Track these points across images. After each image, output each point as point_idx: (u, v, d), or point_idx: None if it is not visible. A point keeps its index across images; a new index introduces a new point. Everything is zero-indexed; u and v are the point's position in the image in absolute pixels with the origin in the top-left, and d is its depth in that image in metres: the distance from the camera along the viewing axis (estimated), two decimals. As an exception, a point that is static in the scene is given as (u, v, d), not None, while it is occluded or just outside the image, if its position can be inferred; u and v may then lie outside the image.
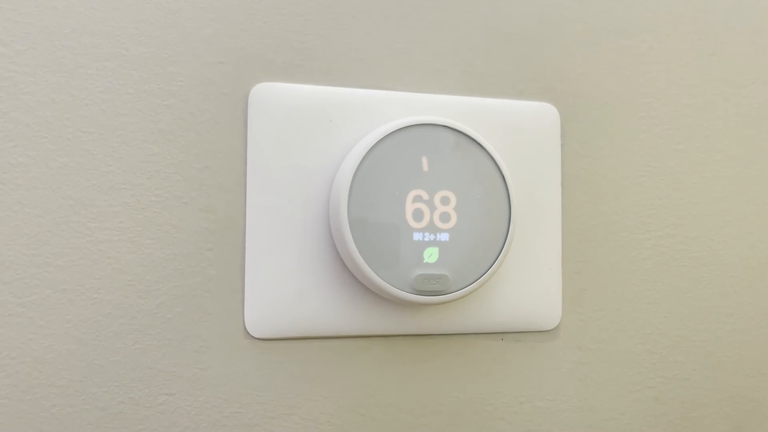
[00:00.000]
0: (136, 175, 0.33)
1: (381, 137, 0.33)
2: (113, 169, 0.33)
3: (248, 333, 0.34)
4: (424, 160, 0.34)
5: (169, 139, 0.34)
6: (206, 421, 0.34)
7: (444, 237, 0.34)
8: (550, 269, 0.38)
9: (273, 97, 0.35)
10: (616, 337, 0.40)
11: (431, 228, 0.33)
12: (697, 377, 0.41)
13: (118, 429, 0.33)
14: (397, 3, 0.37)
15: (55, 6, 0.33)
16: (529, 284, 0.38)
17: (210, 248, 0.34)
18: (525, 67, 0.39)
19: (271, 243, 0.34)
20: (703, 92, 0.41)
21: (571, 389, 0.39)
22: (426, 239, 0.33)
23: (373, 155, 0.33)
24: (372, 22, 0.36)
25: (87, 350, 0.33)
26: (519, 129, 0.38)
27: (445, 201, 0.34)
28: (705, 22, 0.41)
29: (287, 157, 0.34)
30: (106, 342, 0.33)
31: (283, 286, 0.34)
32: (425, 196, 0.34)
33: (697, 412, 0.41)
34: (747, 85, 0.42)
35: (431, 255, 0.33)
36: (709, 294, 0.41)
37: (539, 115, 0.38)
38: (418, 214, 0.33)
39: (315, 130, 0.35)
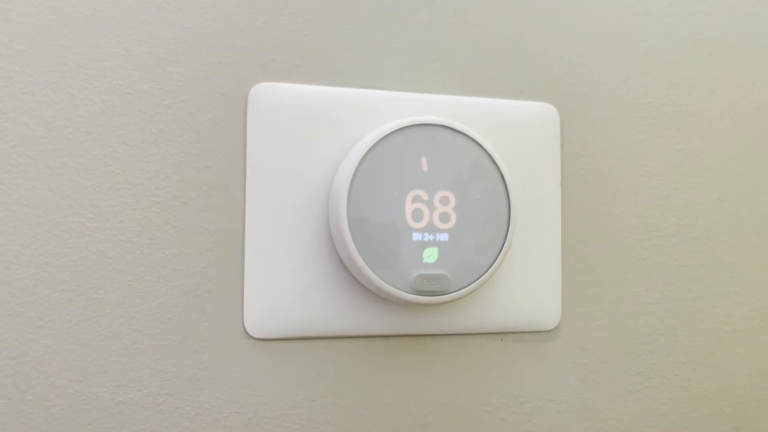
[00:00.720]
0: (136, 175, 0.33)
1: (380, 137, 0.33)
2: (113, 169, 0.33)
3: (248, 333, 0.34)
4: (424, 160, 0.34)
5: (169, 139, 0.34)
6: (206, 421, 0.34)
7: (443, 237, 0.34)
8: (550, 269, 0.38)
9: (272, 97, 0.35)
10: (616, 337, 0.40)
11: (431, 228, 0.33)
12: (697, 377, 0.41)
13: (118, 429, 0.33)
14: (397, 3, 0.37)
15: (55, 6, 0.33)
16: (529, 284, 0.38)
17: (209, 248, 0.34)
18: (525, 67, 0.39)
19: (270, 243, 0.34)
20: (703, 92, 0.41)
21: (571, 389, 0.39)
22: (425, 239, 0.33)
23: (373, 155, 0.33)
24: (372, 22, 0.36)
25: (87, 350, 0.33)
26: (519, 129, 0.38)
27: (444, 201, 0.34)
28: (705, 22, 0.41)
29: (287, 157, 0.34)
30: (106, 342, 0.33)
31: (282, 286, 0.34)
32: (425, 196, 0.34)
33: (697, 412, 0.41)
34: (747, 85, 0.42)
35: (431, 255, 0.33)
36: (709, 294, 0.41)
37: (539, 115, 0.38)
38: (417, 214, 0.33)
39: (314, 130, 0.35)
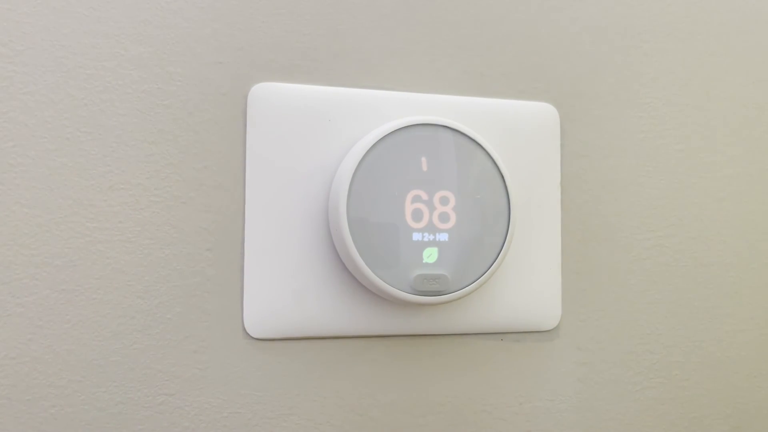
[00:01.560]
0: (135, 176, 0.33)
1: (380, 137, 0.33)
2: (112, 169, 0.33)
3: (247, 333, 0.34)
4: (424, 160, 0.34)
5: (168, 139, 0.34)
6: (205, 421, 0.34)
7: (443, 237, 0.34)
8: (549, 269, 0.38)
9: (272, 97, 0.35)
10: (615, 337, 0.40)
11: (430, 228, 0.33)
12: (697, 377, 0.41)
13: (117, 429, 0.33)
14: (396, 3, 0.37)
15: (54, 6, 0.33)
16: (529, 284, 0.38)
17: (209, 248, 0.34)
18: (525, 67, 0.38)
19: (270, 243, 0.34)
20: (703, 92, 0.41)
21: (571, 389, 0.39)
22: (425, 239, 0.33)
23: (373, 155, 0.33)
24: (372, 22, 0.36)
25: (86, 350, 0.33)
26: (519, 129, 0.38)
27: (444, 201, 0.34)
28: (705, 22, 0.41)
29: (286, 157, 0.34)
30: (105, 342, 0.33)
31: (282, 286, 0.34)
32: (424, 196, 0.34)
33: (697, 412, 0.41)
34: (747, 85, 0.42)
35: (430, 255, 0.33)
36: (709, 294, 0.41)
37: (539, 115, 0.38)
38: (417, 214, 0.33)
39: (314, 130, 0.35)
